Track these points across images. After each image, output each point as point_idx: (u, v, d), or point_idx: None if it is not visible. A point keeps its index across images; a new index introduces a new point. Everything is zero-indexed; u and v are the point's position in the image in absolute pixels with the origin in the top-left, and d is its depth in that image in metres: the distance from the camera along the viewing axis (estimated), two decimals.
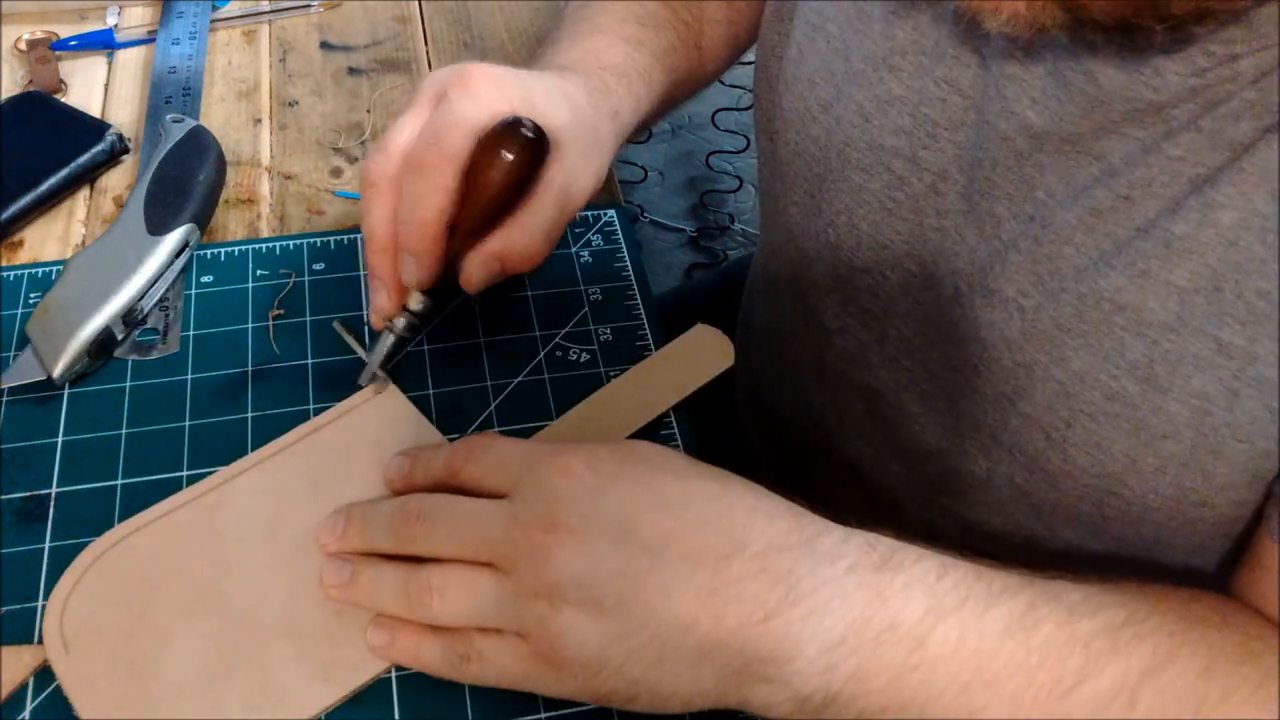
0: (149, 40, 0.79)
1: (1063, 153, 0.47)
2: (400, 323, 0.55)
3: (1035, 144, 0.48)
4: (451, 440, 0.56)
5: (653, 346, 0.62)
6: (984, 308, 0.51)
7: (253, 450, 0.56)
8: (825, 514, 0.44)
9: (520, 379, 0.60)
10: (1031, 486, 0.52)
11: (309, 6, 0.83)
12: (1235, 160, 0.42)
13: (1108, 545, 0.52)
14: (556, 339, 0.62)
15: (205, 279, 0.64)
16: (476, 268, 0.52)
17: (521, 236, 0.51)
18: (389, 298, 0.54)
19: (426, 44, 0.82)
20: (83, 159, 0.69)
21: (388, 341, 0.56)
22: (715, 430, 0.67)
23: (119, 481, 0.55)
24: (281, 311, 0.62)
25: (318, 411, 0.58)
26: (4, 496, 0.54)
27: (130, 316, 0.60)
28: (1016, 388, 0.50)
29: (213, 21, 0.80)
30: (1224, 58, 0.42)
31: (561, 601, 0.41)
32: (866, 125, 0.54)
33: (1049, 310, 0.48)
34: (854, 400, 0.62)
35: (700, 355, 0.60)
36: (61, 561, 0.51)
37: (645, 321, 0.63)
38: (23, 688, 0.48)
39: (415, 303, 0.55)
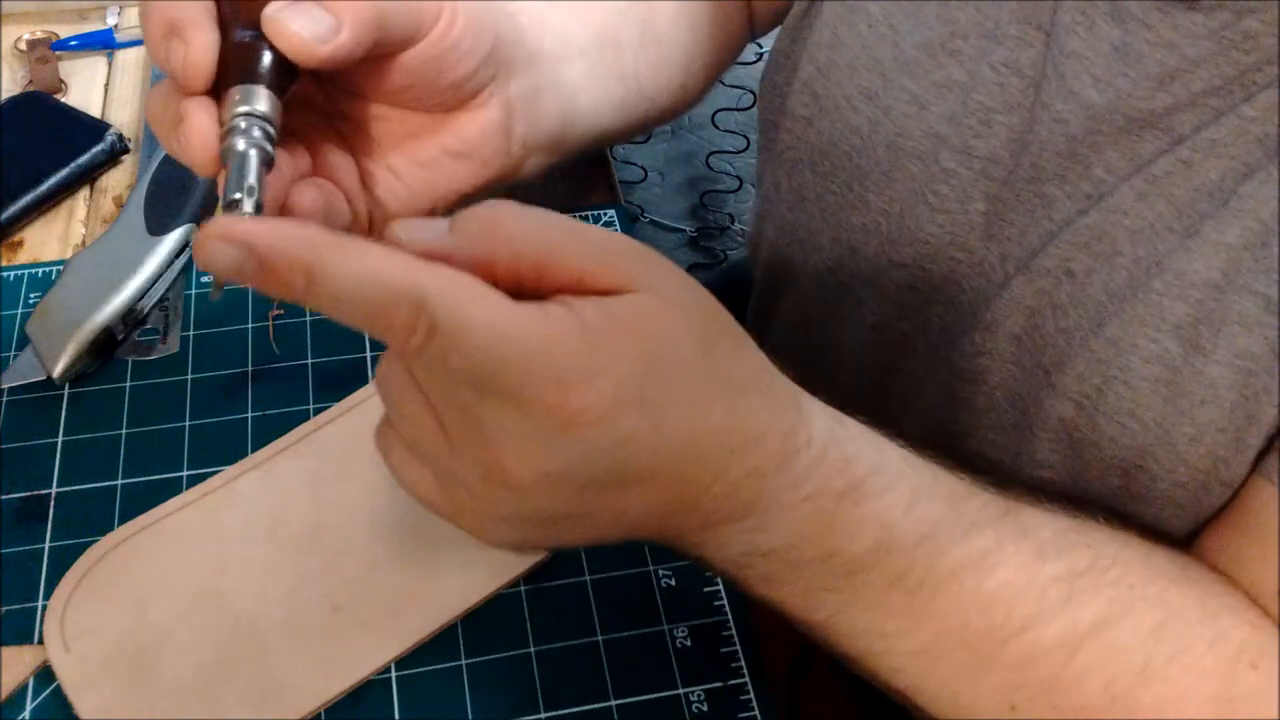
0: None
1: (1128, 131, 0.46)
2: (254, 130, 0.38)
3: (1092, 125, 0.47)
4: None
5: None
6: (1029, 282, 0.50)
7: (253, 450, 0.56)
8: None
9: None
10: (1056, 459, 0.51)
11: None
12: None
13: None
14: None
15: (205, 279, 0.64)
16: (280, 10, 0.38)
17: None
18: (194, 109, 0.38)
19: None
20: (83, 159, 0.69)
21: (243, 160, 0.37)
22: None
23: (119, 481, 0.55)
24: (281, 311, 0.62)
25: (318, 411, 0.58)
26: (4, 496, 0.54)
27: (130, 316, 0.60)
28: (1054, 357, 0.49)
29: None
30: None
31: (506, 513, 0.37)
32: (922, 113, 0.53)
33: (1101, 274, 0.47)
34: (892, 386, 0.61)
35: None
36: (61, 561, 0.51)
37: None
38: (23, 688, 0.48)
39: (252, 100, 0.38)
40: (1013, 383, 0.53)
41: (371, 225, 0.47)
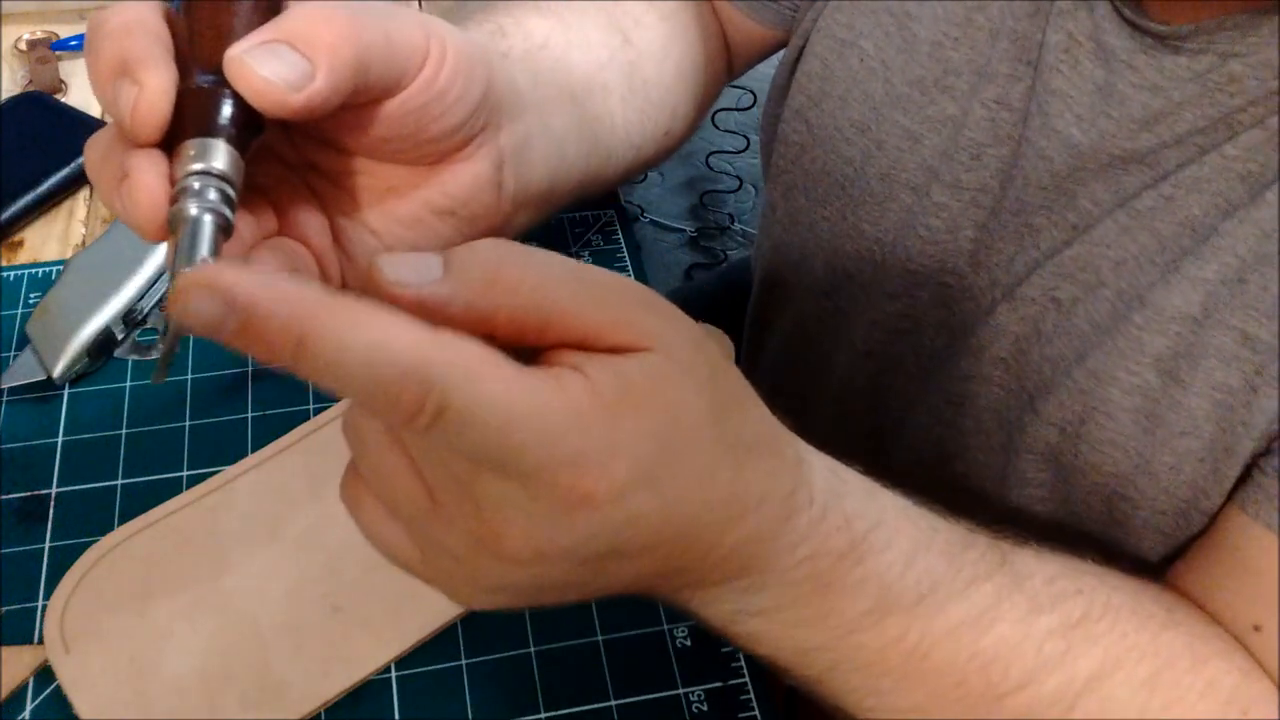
0: None
1: (1112, 167, 0.47)
2: (209, 192, 0.32)
3: (1075, 162, 0.48)
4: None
5: None
6: (1014, 309, 0.51)
7: (253, 450, 0.56)
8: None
9: None
10: (1043, 480, 0.52)
11: None
12: None
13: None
14: None
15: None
16: (245, 52, 0.33)
17: (310, 8, 0.34)
18: (143, 166, 0.33)
19: None
20: (83, 159, 0.69)
21: (196, 228, 0.32)
22: None
23: (119, 481, 0.55)
24: None
25: (318, 411, 0.58)
26: (4, 496, 0.54)
27: (130, 316, 0.60)
28: (1039, 383, 0.50)
29: None
30: None
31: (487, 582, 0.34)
32: (916, 146, 0.53)
33: (1085, 305, 0.48)
34: (886, 406, 0.61)
35: None
36: (61, 561, 0.51)
37: None
38: (23, 688, 0.48)
39: (209, 157, 0.33)
40: (1000, 407, 0.53)
41: (345, 289, 0.39)
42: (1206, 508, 0.46)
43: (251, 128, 0.34)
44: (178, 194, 0.32)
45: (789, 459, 0.37)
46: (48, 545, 0.53)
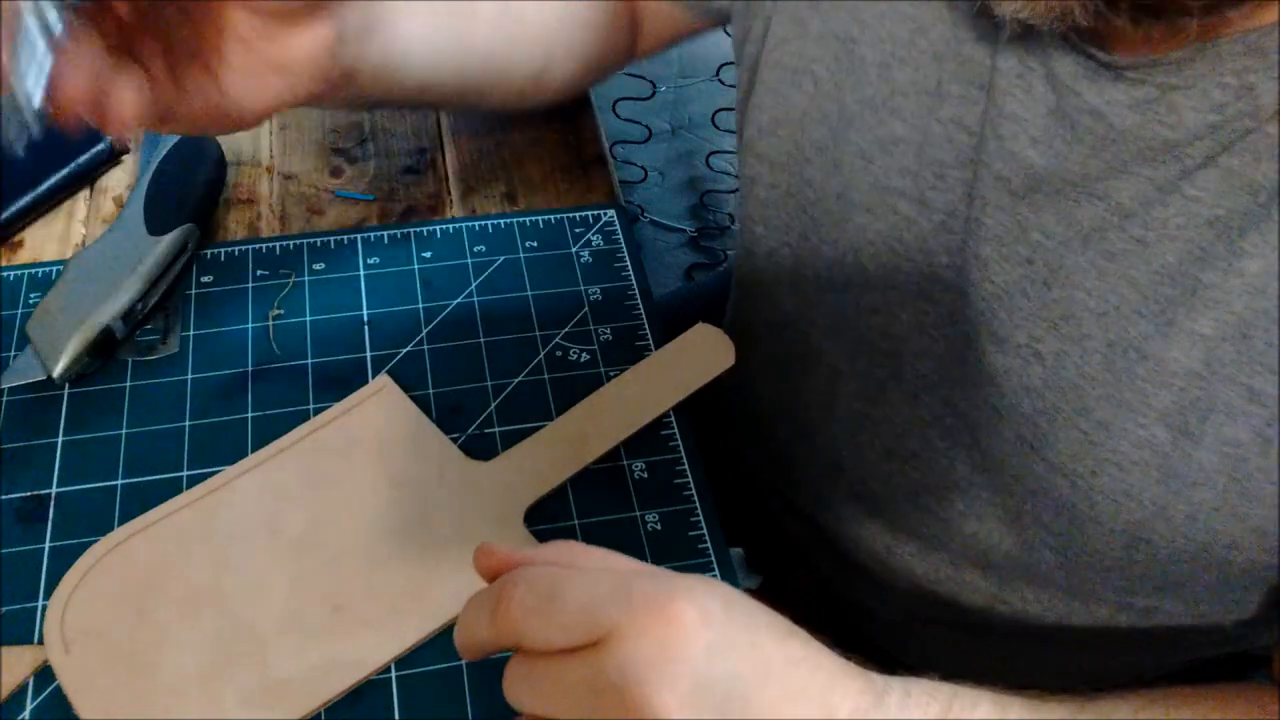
0: None
1: (1063, 194, 0.47)
2: None
3: (1032, 185, 0.48)
4: (454, 439, 0.56)
5: (653, 346, 0.62)
6: (997, 354, 0.50)
7: (253, 450, 0.56)
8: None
9: (520, 379, 0.60)
10: (1058, 528, 0.52)
11: None
12: (1263, 207, 0.41)
13: (1131, 589, 0.52)
14: (556, 339, 0.62)
15: (205, 279, 0.64)
16: None
17: None
18: None
19: None
20: (83, 159, 0.69)
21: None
22: (712, 430, 0.67)
23: (119, 481, 0.55)
24: (281, 311, 0.62)
25: (318, 411, 0.58)
26: (4, 496, 0.54)
27: (130, 316, 0.60)
28: (1038, 434, 0.50)
29: None
30: (1240, 90, 0.41)
31: None
32: (869, 166, 0.54)
33: (1073, 357, 0.48)
34: (872, 436, 0.60)
35: (700, 355, 0.60)
36: (61, 561, 0.51)
37: (645, 321, 0.63)
38: (23, 688, 0.48)
39: None
40: (999, 451, 0.53)
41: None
42: (1227, 542, 0.47)
43: None
44: None
45: (837, 655, 0.40)
46: (48, 545, 0.53)
